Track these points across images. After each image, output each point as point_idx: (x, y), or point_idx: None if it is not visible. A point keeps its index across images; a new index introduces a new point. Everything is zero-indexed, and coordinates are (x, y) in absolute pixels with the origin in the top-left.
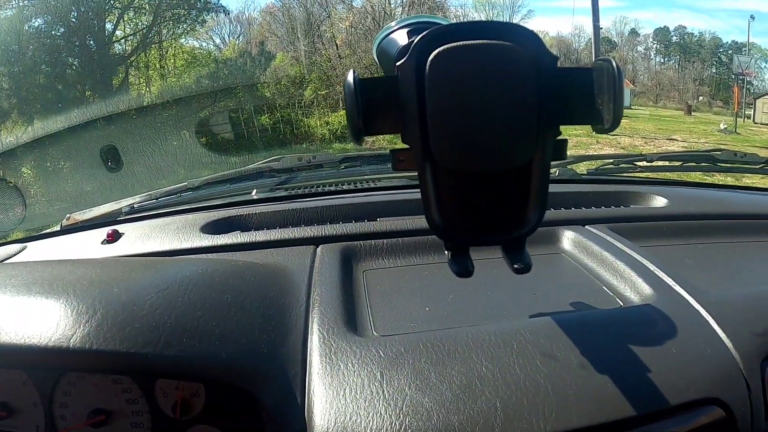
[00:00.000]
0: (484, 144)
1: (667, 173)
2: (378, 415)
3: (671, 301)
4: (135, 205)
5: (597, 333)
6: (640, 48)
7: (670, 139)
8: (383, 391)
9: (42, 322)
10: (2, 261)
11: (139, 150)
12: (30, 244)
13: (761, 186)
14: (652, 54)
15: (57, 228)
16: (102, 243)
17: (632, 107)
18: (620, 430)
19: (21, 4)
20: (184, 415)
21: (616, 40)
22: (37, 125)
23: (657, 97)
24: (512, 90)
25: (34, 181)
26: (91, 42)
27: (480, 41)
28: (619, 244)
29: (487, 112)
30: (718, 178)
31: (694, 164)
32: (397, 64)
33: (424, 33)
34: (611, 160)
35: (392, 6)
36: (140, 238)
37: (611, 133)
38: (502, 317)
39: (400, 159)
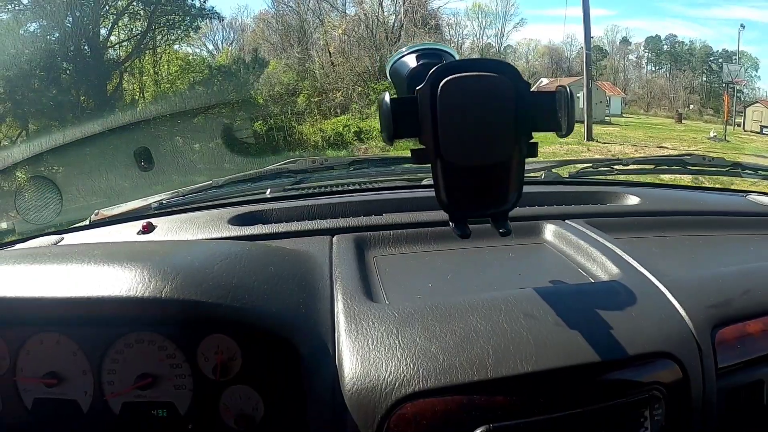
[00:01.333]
0: (477, 145)
1: (642, 176)
2: (396, 359)
3: (634, 278)
4: (163, 201)
5: (570, 300)
6: (631, 56)
7: (661, 147)
8: (399, 342)
9: (136, 280)
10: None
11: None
12: (66, 236)
13: (729, 188)
14: (643, 62)
15: (86, 222)
16: (138, 233)
17: (623, 115)
18: (587, 373)
19: (16, 8)
20: (223, 377)
21: (607, 49)
22: (32, 129)
23: (648, 105)
24: (497, 107)
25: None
26: (86, 47)
27: (475, 73)
28: (594, 235)
29: (480, 122)
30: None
31: (666, 167)
32: (417, 88)
33: (437, 66)
34: (590, 164)
35: (385, 14)
36: (173, 229)
37: (603, 142)
38: (492, 290)
39: (418, 156)
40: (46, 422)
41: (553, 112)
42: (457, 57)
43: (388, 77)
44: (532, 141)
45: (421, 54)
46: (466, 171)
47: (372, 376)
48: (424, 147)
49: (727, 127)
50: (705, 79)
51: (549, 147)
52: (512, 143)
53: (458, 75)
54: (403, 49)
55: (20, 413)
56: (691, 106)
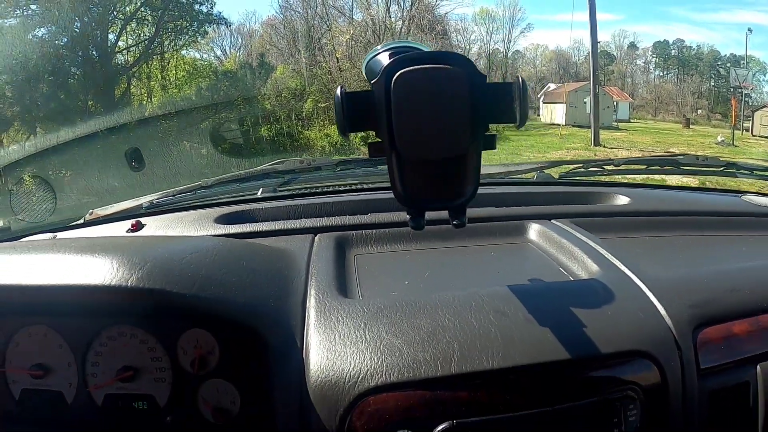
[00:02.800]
0: (432, 138)
1: (637, 177)
2: (360, 353)
3: (614, 276)
4: (154, 201)
5: (544, 298)
6: (639, 61)
7: (668, 152)
8: (365, 336)
9: (105, 269)
10: None
11: (146, 155)
12: (59, 234)
13: (725, 188)
14: (651, 67)
15: (81, 221)
16: (127, 231)
17: (631, 120)
18: (556, 371)
19: (25, 13)
20: (201, 370)
21: (615, 54)
22: (39, 133)
23: (656, 111)
24: (451, 100)
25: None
26: (94, 52)
27: (428, 66)
28: (578, 235)
29: (434, 115)
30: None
31: (659, 167)
32: (372, 82)
33: (391, 60)
34: (581, 165)
35: (392, 20)
36: (161, 227)
37: (610, 147)
38: (467, 287)
39: (375, 149)
40: (33, 412)
41: (510, 103)
42: None
43: (364, 75)
44: (489, 133)
45: (395, 52)
46: (422, 164)
47: (337, 369)
48: (380, 140)
49: (735, 131)
50: (713, 83)
51: (556, 152)
52: (468, 136)
53: (412, 68)
54: (378, 47)
55: (8, 403)
56: (699, 111)
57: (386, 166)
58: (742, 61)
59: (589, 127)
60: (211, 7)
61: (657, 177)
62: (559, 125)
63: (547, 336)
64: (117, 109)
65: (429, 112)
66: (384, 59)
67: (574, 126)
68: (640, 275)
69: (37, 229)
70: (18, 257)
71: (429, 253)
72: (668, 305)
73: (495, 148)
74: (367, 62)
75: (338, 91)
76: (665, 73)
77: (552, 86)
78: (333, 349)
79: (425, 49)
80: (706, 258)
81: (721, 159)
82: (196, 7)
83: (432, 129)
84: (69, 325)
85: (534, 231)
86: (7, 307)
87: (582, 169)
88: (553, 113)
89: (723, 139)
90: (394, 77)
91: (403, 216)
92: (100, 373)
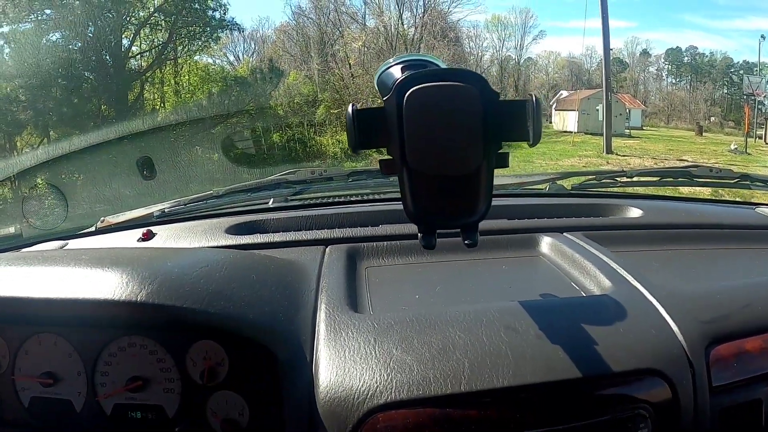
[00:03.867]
0: (444, 155)
1: (652, 188)
2: (370, 369)
3: (627, 292)
4: (165, 210)
5: (555, 314)
6: (651, 68)
7: (681, 160)
8: (375, 352)
9: (115, 283)
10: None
11: (157, 161)
12: (70, 241)
13: (739, 200)
14: (663, 74)
15: (92, 229)
16: (138, 240)
17: (644, 128)
18: (567, 390)
19: (39, 18)
20: (210, 382)
21: (627, 61)
22: (53, 138)
23: (669, 118)
24: (464, 117)
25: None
26: (108, 57)
27: (441, 83)
28: (590, 248)
29: (446, 132)
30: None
31: (672, 179)
32: (384, 98)
33: (403, 76)
34: (594, 176)
35: (405, 27)
36: (172, 237)
37: (622, 155)
38: (479, 302)
39: (385, 165)
40: (42, 420)
41: (523, 121)
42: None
43: (376, 88)
44: (502, 151)
45: (407, 65)
46: (434, 181)
47: (346, 385)
48: (391, 157)
49: (749, 139)
50: (726, 91)
51: (568, 160)
52: (480, 153)
53: (424, 85)
54: (390, 60)
55: (17, 411)
56: (712, 119)
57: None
58: (755, 68)
59: (602, 135)
60: (224, 13)
61: (670, 188)
62: (572, 133)
63: (558, 353)
64: (130, 114)
65: (441, 130)
66: (396, 72)
67: (586, 133)
68: (652, 291)
69: (48, 236)
70: (28, 269)
71: (440, 266)
72: (681, 322)
73: (508, 166)
74: (380, 75)
75: (350, 109)
76: (678, 80)
77: (564, 93)
78: (343, 365)
79: (438, 63)
80: (719, 272)
81: (734, 170)
82: (209, 12)
83: (444, 146)
84: (79, 334)
85: (546, 244)
86: (17, 317)
87: (595, 181)
88: (566, 120)
89: (736, 147)
90: (406, 94)
91: (415, 228)
92: (110, 383)
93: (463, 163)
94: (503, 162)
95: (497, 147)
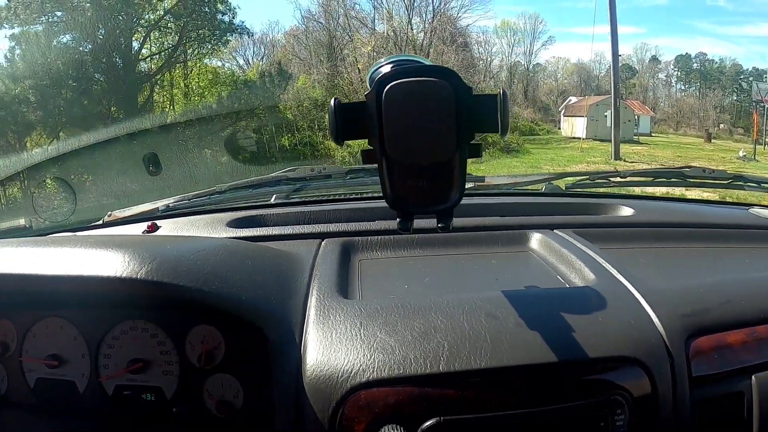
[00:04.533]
0: (419, 146)
1: (641, 188)
2: (355, 350)
3: (609, 285)
4: (170, 205)
5: (537, 303)
6: (661, 75)
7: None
8: (360, 334)
9: (117, 262)
10: None
11: (166, 161)
12: (78, 233)
13: (732, 201)
14: (672, 81)
15: (99, 222)
16: (143, 232)
17: (652, 134)
18: (544, 373)
19: (50, 20)
20: (208, 365)
21: (636, 67)
22: (62, 138)
23: (677, 125)
24: (438, 110)
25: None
26: (118, 59)
27: (417, 78)
28: (579, 244)
29: (422, 124)
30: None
31: (665, 179)
32: (365, 94)
33: (384, 73)
34: (588, 177)
35: (414, 32)
36: (175, 229)
37: (630, 161)
38: (463, 292)
39: (367, 155)
40: (46, 401)
41: (493, 114)
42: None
43: (368, 86)
44: (475, 142)
45: (396, 64)
46: (410, 170)
47: (331, 364)
48: (372, 148)
49: (757, 146)
50: (735, 97)
51: (576, 166)
52: (453, 143)
53: (402, 80)
54: (382, 60)
55: (23, 391)
56: (721, 126)
57: None
58: (764, 75)
59: (610, 141)
60: (234, 17)
61: (665, 189)
62: (580, 139)
63: (536, 339)
64: (139, 115)
65: (417, 121)
66: (386, 71)
67: (594, 140)
68: (635, 284)
69: (57, 228)
70: (37, 249)
71: (431, 259)
72: (661, 314)
73: (480, 156)
74: (371, 74)
75: (332, 102)
76: (687, 86)
77: (573, 99)
78: (329, 346)
79: (424, 62)
80: (707, 269)
81: (728, 171)
82: (219, 16)
83: (419, 137)
84: (84, 318)
85: (535, 240)
86: (26, 299)
87: (588, 181)
88: (574, 127)
89: (744, 153)
90: (385, 89)
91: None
92: (112, 365)
93: (437, 153)
94: (476, 152)
95: (470, 138)
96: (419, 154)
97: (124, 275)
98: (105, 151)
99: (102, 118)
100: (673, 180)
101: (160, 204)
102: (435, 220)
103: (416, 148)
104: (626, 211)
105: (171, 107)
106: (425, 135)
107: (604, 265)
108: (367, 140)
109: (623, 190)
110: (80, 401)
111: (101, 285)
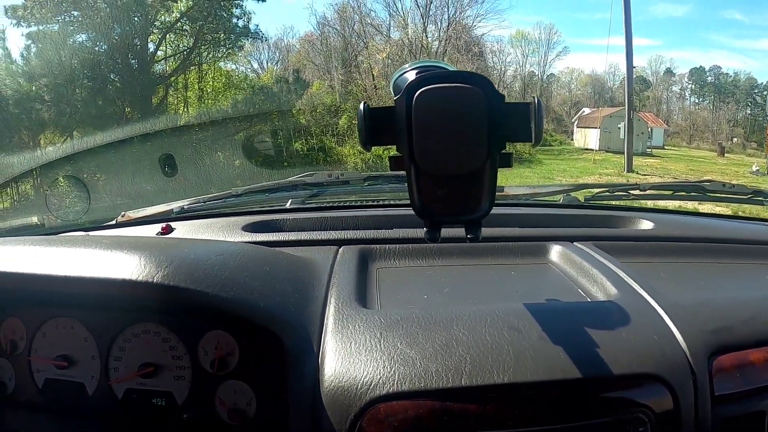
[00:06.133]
0: (450, 154)
1: (659, 201)
2: (374, 361)
3: (632, 299)
4: (185, 207)
5: (559, 317)
6: (675, 88)
7: (701, 181)
8: (380, 345)
9: (133, 265)
10: None
11: (180, 162)
12: (91, 233)
13: (749, 216)
14: (686, 94)
15: (113, 222)
16: (157, 234)
17: (665, 147)
18: (566, 389)
19: (66, 19)
20: (220, 371)
21: (650, 79)
22: (76, 137)
23: (691, 138)
24: (470, 117)
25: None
26: (133, 60)
27: (448, 85)
28: (599, 257)
29: (452, 132)
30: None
31: (684, 193)
32: (394, 99)
33: (413, 78)
34: (607, 189)
35: (429, 40)
36: (190, 232)
37: (643, 174)
38: (484, 303)
39: (395, 162)
40: (54, 402)
41: (526, 122)
42: None
43: (391, 92)
44: (505, 151)
45: (421, 70)
46: (440, 179)
47: (350, 375)
48: (400, 155)
49: None
50: (749, 111)
51: (588, 177)
52: (485, 153)
53: (432, 86)
54: (406, 66)
55: (32, 392)
56: (735, 139)
57: None
58: None
59: (623, 153)
60: (248, 21)
61: (679, 203)
62: (593, 150)
63: (559, 354)
64: (153, 116)
65: (448, 129)
66: (410, 77)
67: (607, 151)
68: (657, 299)
69: (70, 227)
70: (50, 249)
71: (450, 269)
72: (684, 330)
73: (511, 166)
74: (395, 80)
75: (361, 107)
76: (701, 100)
77: (586, 111)
78: (348, 356)
79: (450, 68)
80: (727, 285)
81: (747, 186)
82: (234, 20)
83: (450, 145)
84: (95, 319)
85: (555, 252)
86: (36, 297)
87: (608, 193)
88: (587, 138)
89: (758, 168)
90: (416, 95)
91: None
92: (122, 368)
93: (468, 162)
94: (507, 162)
95: (501, 147)
96: (449, 163)
97: (140, 278)
98: (119, 151)
99: (116, 118)
100: (693, 194)
101: (175, 206)
102: (454, 229)
103: (446, 156)
104: (646, 225)
105: (185, 109)
106: (456, 143)
107: (625, 279)
108: (395, 147)
109: (640, 203)
110: (89, 403)
111: (116, 288)
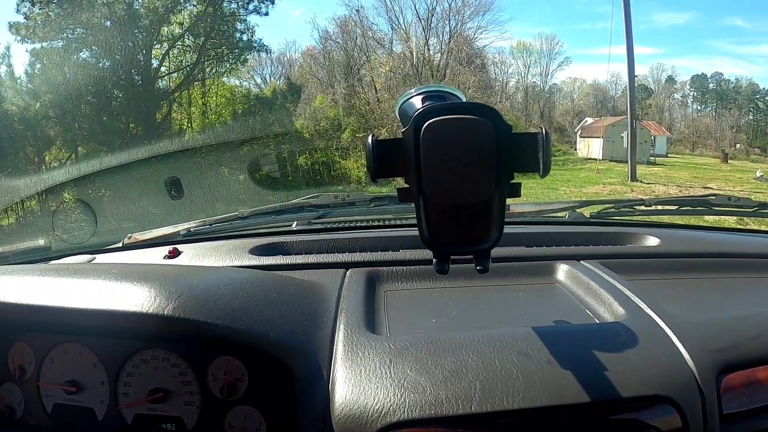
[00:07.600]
0: (458, 185)
1: (664, 216)
2: (385, 388)
3: (640, 320)
4: (191, 229)
5: (567, 340)
6: (677, 95)
7: (705, 188)
8: (390, 372)
9: (143, 296)
10: None
11: (186, 182)
12: (98, 256)
13: (756, 228)
14: (689, 101)
15: (119, 245)
16: (164, 257)
17: (668, 155)
18: (576, 413)
19: (70, 36)
20: (230, 396)
21: (652, 87)
22: (81, 153)
23: (694, 145)
24: (478, 149)
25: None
26: (136, 76)
27: (456, 116)
28: (606, 276)
29: (461, 164)
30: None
31: (690, 208)
32: (402, 131)
33: (421, 109)
34: (613, 205)
35: (431, 53)
36: (197, 255)
37: (647, 182)
38: (493, 327)
39: (403, 194)
40: (64, 427)
41: (534, 153)
42: (464, 99)
43: (397, 116)
44: (514, 182)
45: (427, 96)
46: (449, 210)
47: (361, 403)
48: (408, 186)
49: None
50: (752, 117)
51: (592, 187)
52: (493, 184)
53: (440, 118)
54: (412, 91)
55: (40, 417)
56: (738, 146)
57: None
58: None
59: (626, 162)
60: (252, 36)
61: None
62: (596, 160)
63: (568, 378)
64: (158, 132)
65: (456, 161)
66: (417, 103)
67: (611, 161)
68: (665, 319)
69: (76, 249)
70: (59, 279)
71: (457, 291)
72: (692, 350)
73: (520, 196)
74: (401, 104)
75: (369, 140)
76: (703, 107)
77: (589, 120)
78: (358, 384)
79: (457, 95)
80: (735, 301)
81: (753, 200)
82: (237, 35)
83: (458, 177)
84: (104, 345)
85: (562, 272)
86: (45, 325)
87: (613, 209)
88: (590, 147)
89: (762, 174)
90: (423, 127)
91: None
92: (132, 393)
93: (476, 193)
94: (515, 192)
95: (510, 177)
96: (458, 194)
97: (150, 311)
98: (123, 169)
99: (120, 134)
100: (698, 208)
101: (181, 228)
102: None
103: (455, 187)
104: (652, 241)
105: (189, 125)
106: (464, 175)
107: (632, 298)
108: (403, 178)
109: (647, 218)
110: (98, 429)
111: (126, 319)
